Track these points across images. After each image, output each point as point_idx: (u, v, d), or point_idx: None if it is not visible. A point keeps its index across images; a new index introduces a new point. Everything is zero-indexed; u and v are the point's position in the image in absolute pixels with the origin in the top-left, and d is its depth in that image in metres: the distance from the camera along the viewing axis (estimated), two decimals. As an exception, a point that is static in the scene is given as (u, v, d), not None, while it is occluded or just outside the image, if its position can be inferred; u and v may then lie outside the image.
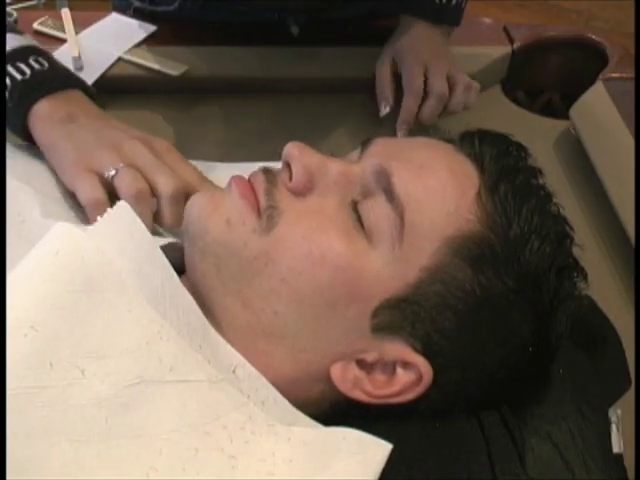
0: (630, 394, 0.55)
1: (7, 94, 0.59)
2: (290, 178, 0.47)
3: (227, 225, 0.46)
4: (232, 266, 0.45)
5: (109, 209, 0.46)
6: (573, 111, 0.90)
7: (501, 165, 0.47)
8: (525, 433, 0.47)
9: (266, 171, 0.48)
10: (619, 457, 0.52)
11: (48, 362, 0.39)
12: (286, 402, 0.44)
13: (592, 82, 0.91)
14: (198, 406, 0.41)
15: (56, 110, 0.59)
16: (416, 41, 0.87)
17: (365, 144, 0.50)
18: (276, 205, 0.46)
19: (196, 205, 0.48)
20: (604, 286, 0.72)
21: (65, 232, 0.42)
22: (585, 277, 0.48)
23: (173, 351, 0.42)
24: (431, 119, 0.84)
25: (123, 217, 0.46)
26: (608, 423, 0.52)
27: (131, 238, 0.45)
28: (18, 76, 0.59)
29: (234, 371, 0.43)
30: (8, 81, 0.59)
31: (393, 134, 0.85)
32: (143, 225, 0.46)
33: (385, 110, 0.86)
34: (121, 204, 0.47)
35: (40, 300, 0.40)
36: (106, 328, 0.41)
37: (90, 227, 0.45)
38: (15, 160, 0.59)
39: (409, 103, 0.84)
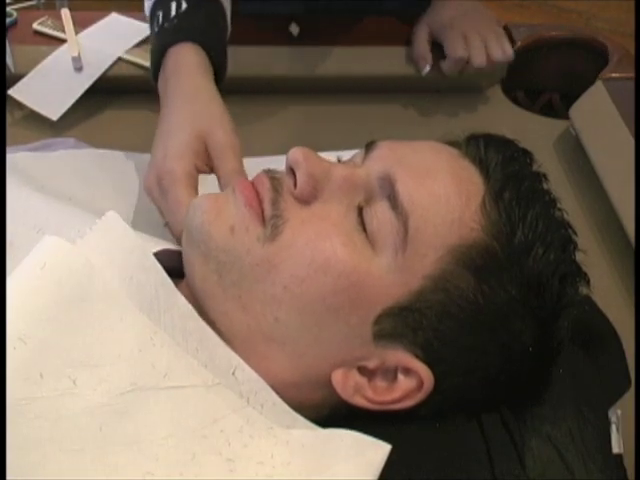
0: (630, 394, 0.55)
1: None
2: (295, 185, 0.46)
3: (230, 232, 0.46)
4: (234, 272, 0.45)
5: (98, 220, 0.46)
6: (573, 111, 0.90)
7: (507, 172, 0.46)
8: (525, 434, 0.47)
9: (272, 177, 0.48)
10: (619, 457, 0.52)
11: (38, 373, 0.39)
12: (285, 405, 0.44)
13: (592, 82, 0.91)
14: (194, 411, 0.41)
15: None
16: (453, 14, 0.94)
17: (369, 147, 0.49)
18: (281, 214, 0.45)
19: (199, 209, 0.48)
20: (604, 286, 0.72)
21: (52, 245, 0.42)
22: (588, 282, 0.48)
23: (167, 357, 0.41)
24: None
25: (113, 227, 0.46)
26: (608, 423, 0.52)
27: (121, 247, 0.45)
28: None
29: (233, 373, 0.43)
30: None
31: (395, 135, 0.85)
32: (134, 233, 0.46)
33: (426, 69, 0.92)
34: (110, 214, 0.47)
35: (28, 313, 0.40)
36: (97, 337, 0.41)
37: (79, 239, 0.45)
38: (34, 168, 0.59)
39: (449, 67, 0.91)
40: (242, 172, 0.57)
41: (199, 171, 0.58)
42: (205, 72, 0.63)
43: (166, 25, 0.64)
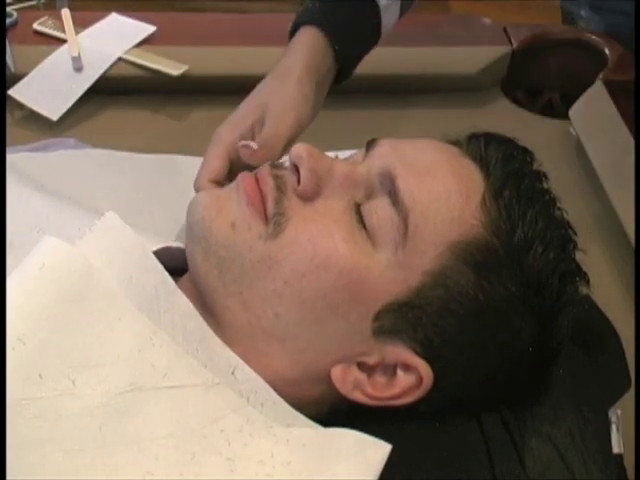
0: (630, 394, 0.55)
1: None
2: (298, 181, 0.47)
3: (232, 228, 0.46)
4: (235, 268, 0.45)
5: (97, 221, 0.46)
6: (573, 111, 0.90)
7: (507, 170, 0.47)
8: (525, 434, 0.47)
9: (275, 176, 0.48)
10: (619, 457, 0.52)
11: (37, 374, 0.39)
12: (285, 404, 0.44)
13: (592, 82, 0.91)
14: (194, 410, 0.41)
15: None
16: None
17: (370, 144, 0.50)
18: (284, 212, 0.46)
19: (200, 205, 0.48)
20: (604, 286, 0.72)
21: (51, 246, 0.42)
22: (587, 281, 0.48)
23: (166, 357, 0.41)
24: None
25: (112, 227, 0.46)
26: (608, 423, 0.52)
27: (120, 247, 0.45)
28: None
29: (233, 373, 0.43)
30: None
31: (395, 134, 0.85)
32: (133, 232, 0.46)
33: None
34: (109, 214, 0.47)
35: (26, 313, 0.40)
36: (96, 337, 0.41)
37: (78, 240, 0.45)
38: (34, 168, 0.59)
39: None
40: (281, 140, 0.58)
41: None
42: (309, 58, 0.64)
43: (317, 4, 0.66)
